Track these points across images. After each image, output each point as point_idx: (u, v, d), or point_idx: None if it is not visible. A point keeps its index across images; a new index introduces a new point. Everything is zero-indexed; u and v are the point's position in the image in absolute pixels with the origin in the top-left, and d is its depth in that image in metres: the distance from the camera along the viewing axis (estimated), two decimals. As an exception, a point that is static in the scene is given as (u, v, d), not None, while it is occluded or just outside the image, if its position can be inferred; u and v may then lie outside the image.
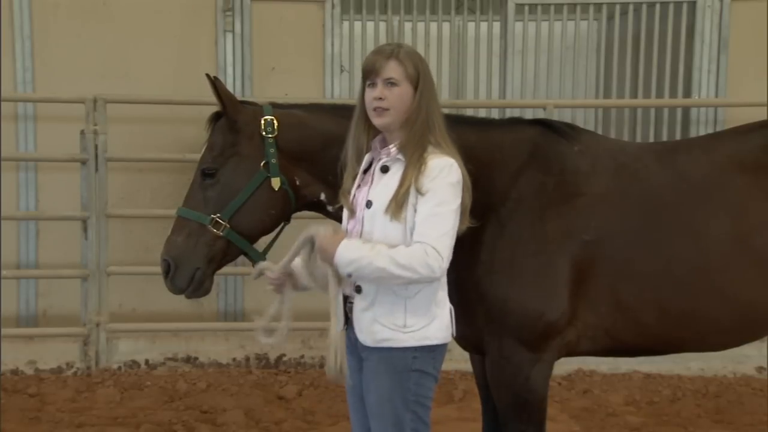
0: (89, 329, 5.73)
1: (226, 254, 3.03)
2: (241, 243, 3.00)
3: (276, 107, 3.10)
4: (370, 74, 2.63)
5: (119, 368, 5.82)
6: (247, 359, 5.95)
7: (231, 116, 3.03)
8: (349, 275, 2.55)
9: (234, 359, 5.94)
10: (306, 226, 2.69)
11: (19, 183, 6.02)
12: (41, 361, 5.80)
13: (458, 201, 2.58)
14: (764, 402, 5.32)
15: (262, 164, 2.99)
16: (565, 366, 5.75)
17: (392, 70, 2.60)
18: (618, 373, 5.85)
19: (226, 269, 6.37)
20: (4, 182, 5.65)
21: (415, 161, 2.57)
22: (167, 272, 2.99)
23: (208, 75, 3.10)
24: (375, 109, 2.62)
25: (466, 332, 2.78)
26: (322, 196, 3.10)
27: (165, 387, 5.54)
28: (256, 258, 3.05)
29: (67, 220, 5.89)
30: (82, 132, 5.68)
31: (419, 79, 2.62)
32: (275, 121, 3.01)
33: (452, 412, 4.96)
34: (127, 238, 5.96)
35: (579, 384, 5.69)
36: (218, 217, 2.96)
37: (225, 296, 6.18)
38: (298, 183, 3.06)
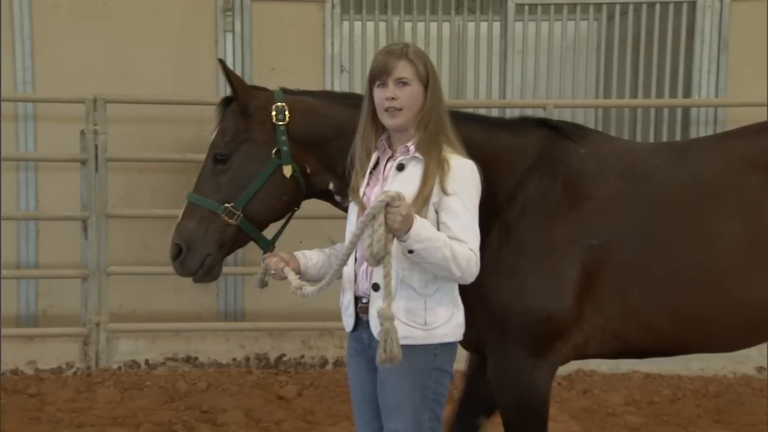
0: (89, 329, 5.73)
1: (236, 241, 3.03)
2: (252, 231, 3.01)
3: (287, 93, 3.09)
4: (381, 74, 2.62)
5: (119, 368, 5.82)
6: (247, 359, 5.95)
7: (242, 101, 3.02)
8: (411, 251, 2.46)
9: (234, 359, 5.95)
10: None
11: (19, 183, 6.02)
12: (41, 361, 5.80)
13: (478, 204, 2.62)
14: (764, 402, 5.32)
15: (273, 152, 2.99)
16: (565, 366, 5.70)
17: (403, 69, 2.61)
18: (618, 373, 5.85)
19: (226, 269, 6.38)
20: (4, 182, 5.65)
21: (435, 160, 2.59)
22: (177, 255, 2.99)
23: (220, 60, 3.13)
24: (387, 110, 2.62)
25: (469, 334, 2.77)
26: (331, 186, 3.10)
27: (165, 387, 5.54)
28: (265, 245, 3.05)
29: (67, 220, 5.89)
30: (82, 132, 5.68)
31: (429, 78, 2.64)
32: (286, 108, 3.01)
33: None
34: (127, 238, 5.96)
35: (579, 384, 5.69)
36: (231, 206, 2.96)
37: (225, 296, 6.18)
38: (308, 171, 3.05)
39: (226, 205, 2.96)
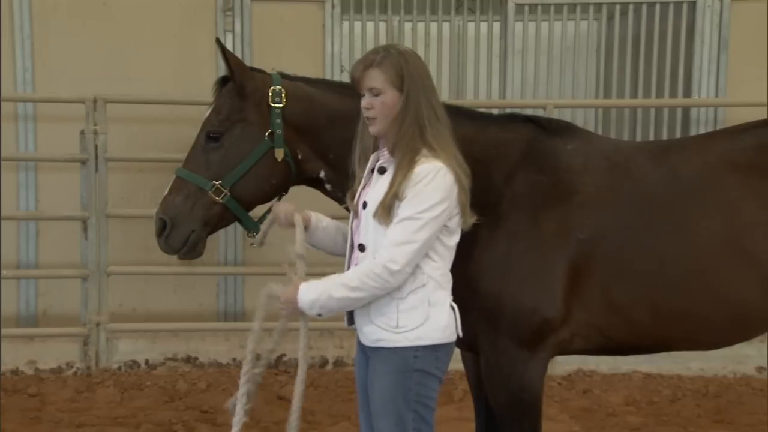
0: (89, 329, 5.74)
1: (221, 219, 3.04)
2: (238, 211, 3.01)
3: (284, 77, 3.10)
4: (355, 85, 2.65)
5: (119, 368, 5.83)
6: (247, 359, 5.95)
7: (239, 81, 3.02)
8: (319, 315, 2.62)
9: (234, 359, 5.94)
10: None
11: (19, 183, 6.01)
12: (41, 361, 5.80)
13: (441, 207, 2.55)
14: (764, 402, 5.32)
15: (266, 134, 2.99)
16: (565, 366, 5.75)
17: (373, 79, 2.60)
18: (618, 373, 5.85)
19: (226, 269, 6.37)
20: (4, 182, 5.65)
21: (404, 165, 2.57)
22: (162, 231, 2.99)
23: (217, 39, 3.13)
24: (366, 119, 2.65)
25: (461, 330, 2.78)
26: (322, 174, 3.11)
27: (165, 387, 5.54)
28: (250, 227, 3.05)
29: (67, 220, 5.89)
30: (82, 132, 5.68)
31: (404, 81, 2.59)
32: (283, 92, 3.01)
33: (452, 412, 4.96)
34: (127, 238, 5.95)
35: (579, 384, 5.69)
36: (219, 184, 2.96)
37: (225, 296, 6.18)
38: (300, 157, 3.06)
39: (215, 182, 2.96)
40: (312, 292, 2.58)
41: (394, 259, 2.51)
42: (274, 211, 2.88)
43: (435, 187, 2.54)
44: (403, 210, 2.53)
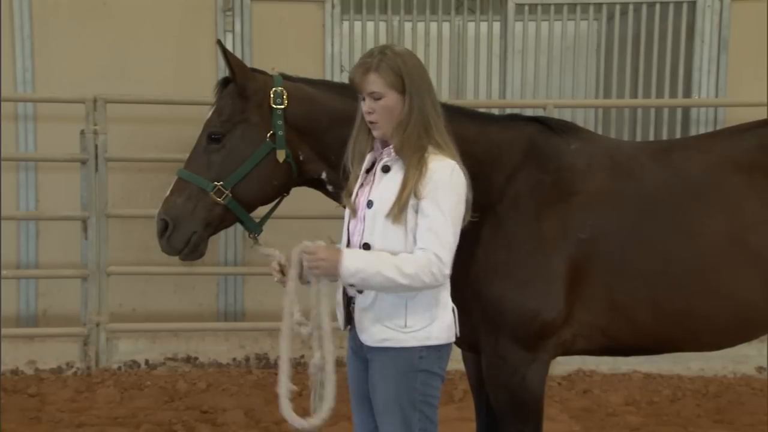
0: (89, 329, 5.74)
1: (223, 220, 3.03)
2: (240, 212, 3.01)
3: (286, 79, 3.10)
4: (356, 89, 2.64)
5: (119, 368, 5.83)
6: (247, 359, 5.96)
7: (240, 82, 3.02)
8: (351, 285, 2.55)
9: (234, 359, 5.95)
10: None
11: (19, 183, 6.01)
12: (41, 361, 5.80)
13: (461, 205, 2.58)
14: (764, 402, 5.32)
15: (268, 135, 2.99)
16: (565, 366, 5.75)
17: (372, 83, 2.59)
18: (618, 373, 5.85)
19: (226, 269, 6.37)
20: (4, 182, 5.65)
21: (415, 164, 2.56)
22: (163, 231, 2.99)
23: (218, 41, 3.13)
24: (369, 123, 2.64)
25: (462, 330, 2.79)
26: (324, 175, 3.11)
27: (165, 387, 5.54)
28: (252, 228, 3.05)
29: (67, 220, 5.89)
30: (82, 132, 5.69)
31: (404, 82, 2.58)
32: (285, 93, 3.01)
33: (452, 412, 4.96)
34: (127, 238, 5.96)
35: (579, 384, 5.69)
36: (221, 185, 2.96)
37: (225, 296, 6.18)
38: (301, 158, 3.06)
39: (216, 183, 2.96)
40: (358, 260, 2.49)
41: (443, 260, 2.52)
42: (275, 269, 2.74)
43: (453, 184, 2.56)
44: (430, 210, 2.52)
